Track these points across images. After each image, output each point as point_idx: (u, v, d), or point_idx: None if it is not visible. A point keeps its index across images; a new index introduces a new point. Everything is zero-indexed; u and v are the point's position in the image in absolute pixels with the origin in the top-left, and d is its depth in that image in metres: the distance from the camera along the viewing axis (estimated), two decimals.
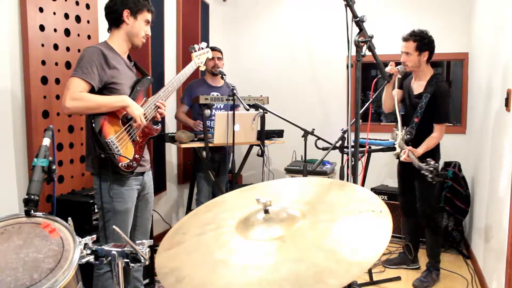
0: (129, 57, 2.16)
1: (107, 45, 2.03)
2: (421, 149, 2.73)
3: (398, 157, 2.92)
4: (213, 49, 3.43)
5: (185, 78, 2.32)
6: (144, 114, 2.05)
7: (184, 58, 3.84)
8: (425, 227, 2.99)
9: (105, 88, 1.96)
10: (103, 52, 1.93)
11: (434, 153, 2.85)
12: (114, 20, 2.04)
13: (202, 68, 2.55)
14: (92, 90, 1.90)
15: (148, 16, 2.08)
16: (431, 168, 2.34)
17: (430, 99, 2.76)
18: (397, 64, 2.85)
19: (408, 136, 2.81)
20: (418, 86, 2.90)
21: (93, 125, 1.88)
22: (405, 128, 2.85)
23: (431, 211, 2.93)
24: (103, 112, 1.92)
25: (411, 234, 3.22)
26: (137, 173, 2.08)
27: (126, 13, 2.01)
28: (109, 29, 2.09)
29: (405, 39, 2.82)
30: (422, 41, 2.77)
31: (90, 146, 1.96)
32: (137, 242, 1.20)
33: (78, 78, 1.85)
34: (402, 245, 3.35)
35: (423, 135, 2.81)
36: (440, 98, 2.76)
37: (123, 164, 1.95)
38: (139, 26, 2.05)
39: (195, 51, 2.49)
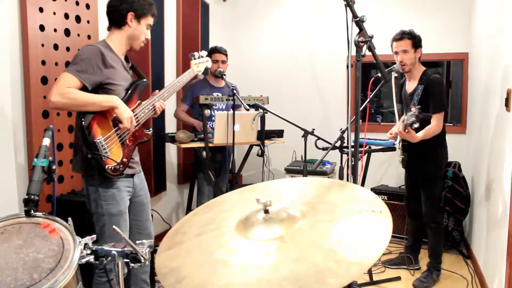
0: (126, 58, 2.11)
1: (105, 44, 1.98)
2: (420, 134, 2.73)
3: (402, 162, 2.93)
4: (219, 51, 3.43)
5: (182, 85, 2.30)
6: (136, 117, 2.00)
7: (184, 58, 3.84)
8: (427, 228, 2.99)
9: (100, 88, 1.90)
10: (101, 51, 1.88)
11: (437, 150, 2.87)
12: (116, 20, 1.99)
13: (201, 77, 2.56)
14: (84, 89, 1.84)
15: (151, 20, 2.06)
16: (412, 118, 2.48)
17: (424, 88, 2.79)
18: (391, 65, 2.84)
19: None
20: (412, 85, 2.95)
21: (83, 123, 1.81)
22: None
23: (434, 212, 2.94)
24: (93, 111, 1.85)
25: (413, 235, 3.24)
26: (127, 175, 2.02)
27: (130, 15, 1.97)
28: (109, 28, 2.03)
29: (400, 38, 2.86)
30: (415, 38, 2.85)
31: (78, 145, 1.89)
32: (137, 242, 1.20)
33: (70, 74, 1.79)
34: (403, 246, 3.35)
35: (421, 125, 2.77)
36: (432, 88, 2.78)
37: (110, 167, 1.87)
38: (140, 30, 2.02)
39: (195, 58, 2.47)
